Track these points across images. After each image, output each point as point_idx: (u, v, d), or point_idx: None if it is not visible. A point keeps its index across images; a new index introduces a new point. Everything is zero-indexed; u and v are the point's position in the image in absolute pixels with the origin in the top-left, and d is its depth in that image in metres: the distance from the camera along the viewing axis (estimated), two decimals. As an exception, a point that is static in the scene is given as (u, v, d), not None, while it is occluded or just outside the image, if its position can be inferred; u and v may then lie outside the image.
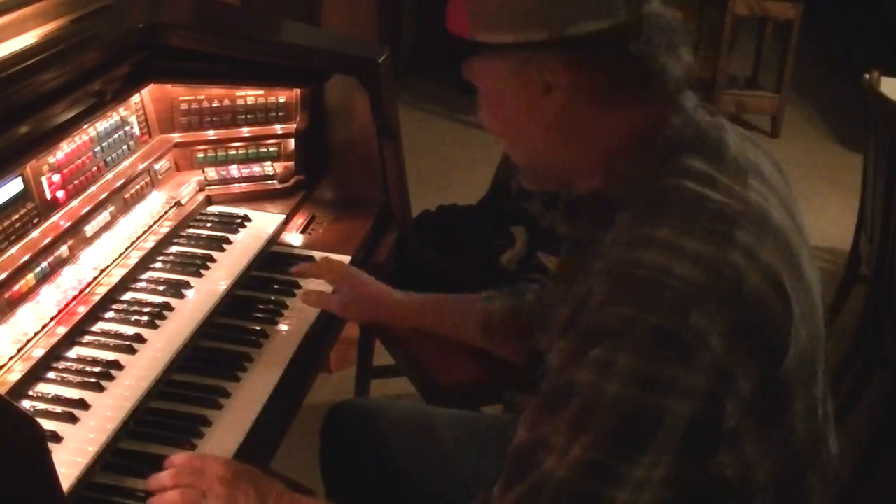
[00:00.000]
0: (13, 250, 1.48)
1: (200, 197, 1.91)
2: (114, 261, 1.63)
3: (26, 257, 1.49)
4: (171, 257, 1.73)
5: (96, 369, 1.42)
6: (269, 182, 1.99)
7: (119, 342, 1.48)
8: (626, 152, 1.11)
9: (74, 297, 1.52)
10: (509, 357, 1.66)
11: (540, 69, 1.10)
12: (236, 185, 1.97)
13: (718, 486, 1.06)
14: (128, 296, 1.61)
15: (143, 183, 1.82)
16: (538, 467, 1.03)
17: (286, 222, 1.94)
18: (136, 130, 1.85)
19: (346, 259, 1.85)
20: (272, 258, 1.85)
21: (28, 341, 1.40)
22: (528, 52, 1.09)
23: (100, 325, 1.53)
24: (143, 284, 1.65)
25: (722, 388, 1.00)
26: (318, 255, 1.86)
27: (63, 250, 1.57)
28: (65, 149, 1.63)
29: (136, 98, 1.84)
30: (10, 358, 1.37)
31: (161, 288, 1.64)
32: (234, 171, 1.98)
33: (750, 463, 1.06)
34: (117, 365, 1.43)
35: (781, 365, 1.04)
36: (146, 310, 1.57)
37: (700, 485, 1.05)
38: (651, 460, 1.00)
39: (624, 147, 1.12)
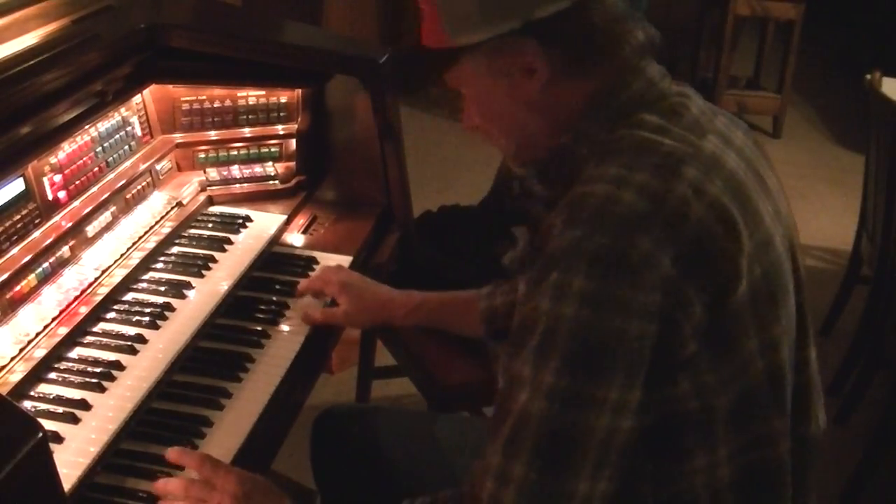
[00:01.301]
0: (15, 251, 1.48)
1: (202, 197, 1.91)
2: (115, 261, 1.63)
3: (28, 258, 1.49)
4: (173, 258, 1.73)
5: (98, 370, 1.42)
6: (271, 182, 1.99)
7: (120, 342, 1.48)
8: (589, 112, 1.17)
9: (76, 298, 1.52)
10: None
11: (519, 55, 1.15)
12: (238, 185, 1.97)
13: (681, 419, 1.10)
14: (129, 296, 1.61)
15: (144, 183, 1.82)
16: (515, 403, 1.06)
17: (287, 223, 1.94)
18: (138, 131, 1.85)
19: (348, 259, 1.85)
20: (274, 259, 1.85)
21: (29, 342, 1.41)
22: (505, 43, 1.15)
23: (101, 326, 1.53)
24: (144, 285, 1.65)
25: (677, 309, 1.03)
26: (319, 255, 1.86)
27: (64, 251, 1.57)
28: (66, 149, 1.63)
29: (137, 98, 1.84)
30: (12, 358, 1.37)
31: (162, 288, 1.64)
32: (236, 171, 1.98)
33: (708, 393, 1.09)
34: (119, 365, 1.43)
35: (734, 294, 1.07)
36: (147, 310, 1.57)
37: (666, 417, 1.09)
38: (623, 381, 1.03)
39: (588, 109, 1.18)
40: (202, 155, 1.96)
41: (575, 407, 1.03)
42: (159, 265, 1.71)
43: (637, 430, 1.06)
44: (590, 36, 1.15)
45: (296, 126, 2.00)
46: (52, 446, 1.22)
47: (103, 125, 1.73)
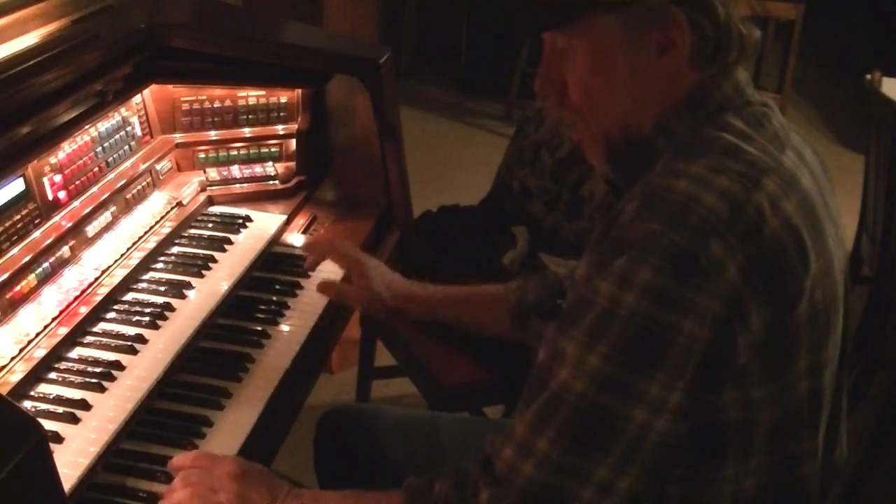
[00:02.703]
0: (15, 251, 1.48)
1: (202, 197, 1.91)
2: (115, 261, 1.63)
3: (28, 258, 1.49)
4: (173, 258, 1.73)
5: (98, 370, 1.42)
6: (271, 182, 1.99)
7: (120, 342, 1.48)
8: (680, 109, 1.14)
9: (76, 298, 1.52)
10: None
11: (665, 27, 1.09)
12: (238, 185, 1.97)
13: (721, 428, 1.09)
14: (129, 296, 1.61)
15: (144, 183, 1.82)
16: (555, 379, 1.06)
17: (288, 223, 1.94)
18: (138, 131, 1.85)
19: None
20: (274, 259, 1.85)
21: (30, 342, 1.41)
22: (655, 10, 1.08)
23: (101, 326, 1.53)
24: (144, 285, 1.65)
25: (736, 320, 1.02)
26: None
27: (64, 251, 1.57)
28: (66, 149, 1.63)
29: (137, 98, 1.84)
30: (12, 358, 1.37)
31: (162, 288, 1.64)
32: (236, 171, 1.98)
33: (753, 408, 1.08)
34: (119, 365, 1.43)
35: (794, 312, 1.06)
36: (147, 310, 1.57)
37: (705, 425, 1.08)
38: (665, 380, 1.02)
39: (680, 103, 1.14)
40: (202, 155, 1.96)
41: (614, 394, 1.03)
42: (159, 265, 1.71)
43: (671, 436, 1.05)
44: (721, 26, 1.11)
45: (296, 126, 2.00)
46: (52, 446, 1.22)
47: (103, 125, 1.73)
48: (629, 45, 1.10)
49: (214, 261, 1.74)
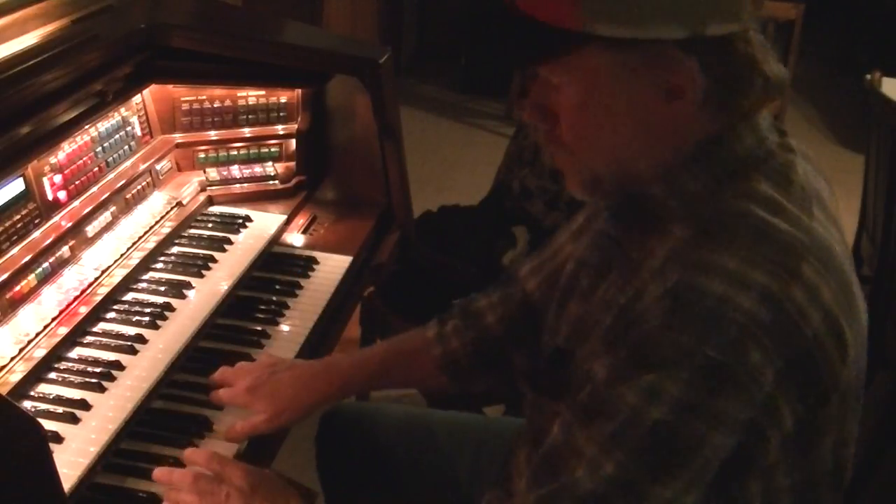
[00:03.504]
0: (14, 251, 1.48)
1: (202, 197, 1.91)
2: (115, 261, 1.63)
3: (28, 258, 1.49)
4: (173, 258, 1.73)
5: (98, 370, 1.42)
6: (271, 182, 1.99)
7: (120, 342, 1.48)
8: (693, 162, 1.04)
9: (76, 298, 1.52)
10: (486, 390, 1.61)
11: (673, 72, 0.98)
12: (238, 185, 1.97)
13: None
14: (129, 296, 1.61)
15: (144, 183, 1.82)
16: (568, 474, 1.02)
17: (287, 223, 1.94)
18: (138, 131, 1.85)
19: (348, 259, 1.85)
20: (274, 259, 1.85)
21: (29, 342, 1.41)
22: (662, 52, 0.97)
23: (101, 326, 1.53)
24: (144, 285, 1.65)
25: (768, 423, 0.98)
26: (319, 255, 1.86)
27: (64, 251, 1.57)
28: (66, 149, 1.63)
29: (137, 98, 1.84)
30: (12, 358, 1.37)
31: (162, 288, 1.64)
32: (236, 171, 1.98)
33: (778, 492, 1.04)
34: (119, 365, 1.43)
35: (828, 403, 1.02)
36: (147, 310, 1.57)
37: None
38: (683, 485, 0.98)
39: (692, 155, 1.04)
40: (202, 155, 1.96)
41: (627, 496, 0.99)
42: (159, 265, 1.71)
43: None
44: (742, 68, 1.00)
45: (296, 126, 2.00)
46: (53, 446, 1.22)
47: (103, 125, 1.73)
48: (628, 86, 1.00)
49: (214, 261, 1.74)
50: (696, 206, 1.03)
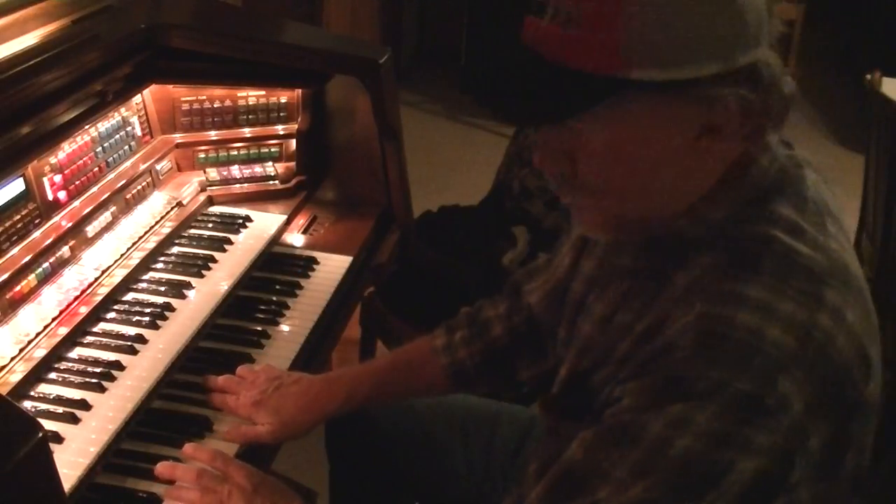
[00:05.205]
0: (15, 251, 1.48)
1: (202, 197, 1.91)
2: (115, 261, 1.63)
3: (28, 258, 1.49)
4: (173, 258, 1.73)
5: (98, 370, 1.42)
6: (271, 183, 1.99)
7: (120, 342, 1.48)
8: (715, 192, 1.03)
9: (76, 298, 1.52)
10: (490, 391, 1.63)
11: (712, 109, 0.96)
12: (238, 185, 1.97)
13: None
14: (129, 296, 1.61)
15: (144, 183, 1.82)
16: (591, 494, 1.00)
17: (288, 223, 1.94)
18: (138, 131, 1.85)
19: (348, 259, 1.85)
20: (274, 259, 1.85)
21: (30, 342, 1.41)
22: (701, 90, 0.94)
23: (101, 326, 1.53)
24: (144, 285, 1.65)
25: (795, 448, 0.97)
26: (319, 255, 1.86)
27: (64, 251, 1.57)
28: (66, 149, 1.63)
29: (137, 98, 1.84)
30: (12, 358, 1.37)
31: (162, 288, 1.64)
32: (236, 171, 1.98)
33: (799, 503, 1.03)
34: (119, 365, 1.43)
35: (852, 422, 1.02)
36: (147, 310, 1.57)
37: None
38: None
39: (714, 187, 1.03)
40: (202, 155, 1.96)
41: None
42: (159, 265, 1.71)
43: None
44: (766, 94, 0.99)
45: (296, 126, 2.00)
46: (52, 446, 1.22)
47: (103, 125, 1.73)
48: (662, 130, 0.96)
49: (214, 261, 1.74)
50: (720, 233, 1.02)
